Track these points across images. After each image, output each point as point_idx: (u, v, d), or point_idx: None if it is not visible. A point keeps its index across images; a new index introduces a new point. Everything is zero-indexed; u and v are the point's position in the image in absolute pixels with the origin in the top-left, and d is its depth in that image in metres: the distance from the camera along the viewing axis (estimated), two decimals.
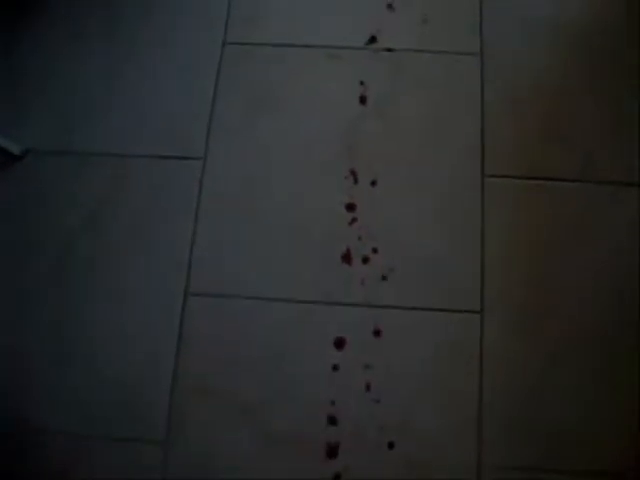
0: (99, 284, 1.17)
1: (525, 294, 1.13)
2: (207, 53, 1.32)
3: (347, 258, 1.17)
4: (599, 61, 1.28)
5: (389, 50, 1.30)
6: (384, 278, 1.15)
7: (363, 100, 1.27)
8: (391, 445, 1.06)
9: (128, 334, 1.14)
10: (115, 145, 1.26)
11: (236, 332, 1.13)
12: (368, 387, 1.09)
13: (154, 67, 1.32)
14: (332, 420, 1.07)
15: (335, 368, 1.10)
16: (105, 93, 1.31)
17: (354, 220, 1.19)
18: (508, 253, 1.16)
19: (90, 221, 1.21)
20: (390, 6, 1.34)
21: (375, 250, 1.17)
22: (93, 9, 1.37)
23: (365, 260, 1.16)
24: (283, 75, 1.30)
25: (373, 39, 1.31)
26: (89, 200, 1.23)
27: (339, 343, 1.12)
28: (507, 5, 1.33)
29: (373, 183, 1.21)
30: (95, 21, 1.37)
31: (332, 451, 1.06)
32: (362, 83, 1.28)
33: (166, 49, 1.33)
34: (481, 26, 1.31)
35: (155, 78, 1.31)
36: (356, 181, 1.21)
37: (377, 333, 1.12)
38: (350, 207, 1.20)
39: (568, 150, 1.21)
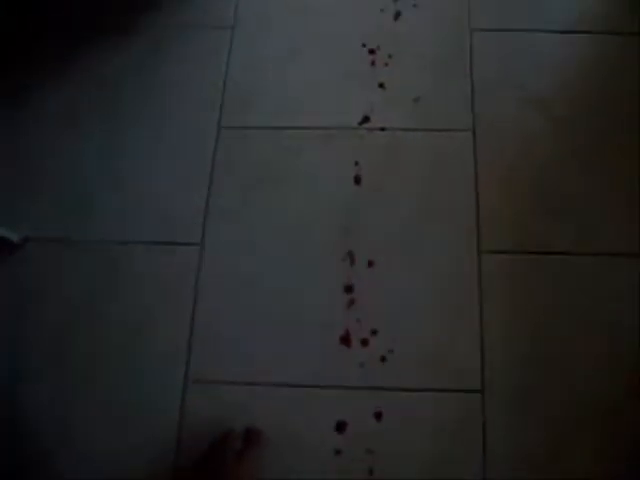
0: (98, 370, 1.17)
1: (526, 372, 1.13)
2: (203, 137, 1.33)
3: (346, 341, 1.17)
4: (594, 136, 1.29)
5: (382, 129, 1.32)
6: (383, 360, 1.15)
7: (358, 180, 1.28)
8: None
9: (129, 418, 1.13)
10: (113, 231, 1.27)
11: (235, 419, 1.12)
12: (371, 472, 1.08)
13: (151, 151, 1.33)
14: None
15: (337, 453, 1.10)
16: (103, 178, 1.32)
17: (352, 302, 1.19)
18: (507, 330, 1.16)
19: (88, 309, 1.21)
20: (382, 85, 1.36)
21: (374, 332, 1.17)
22: (91, 92, 1.39)
23: (364, 342, 1.16)
24: (278, 157, 1.31)
25: (366, 119, 1.33)
26: (88, 287, 1.23)
27: (340, 427, 1.11)
28: (499, 81, 1.35)
29: (370, 264, 1.22)
30: (92, 104, 1.38)
31: None
32: (357, 163, 1.29)
33: (162, 133, 1.35)
34: (473, 102, 1.33)
35: (152, 162, 1.32)
36: (353, 262, 1.22)
37: (378, 416, 1.11)
38: (348, 289, 1.20)
39: (565, 223, 1.22)
